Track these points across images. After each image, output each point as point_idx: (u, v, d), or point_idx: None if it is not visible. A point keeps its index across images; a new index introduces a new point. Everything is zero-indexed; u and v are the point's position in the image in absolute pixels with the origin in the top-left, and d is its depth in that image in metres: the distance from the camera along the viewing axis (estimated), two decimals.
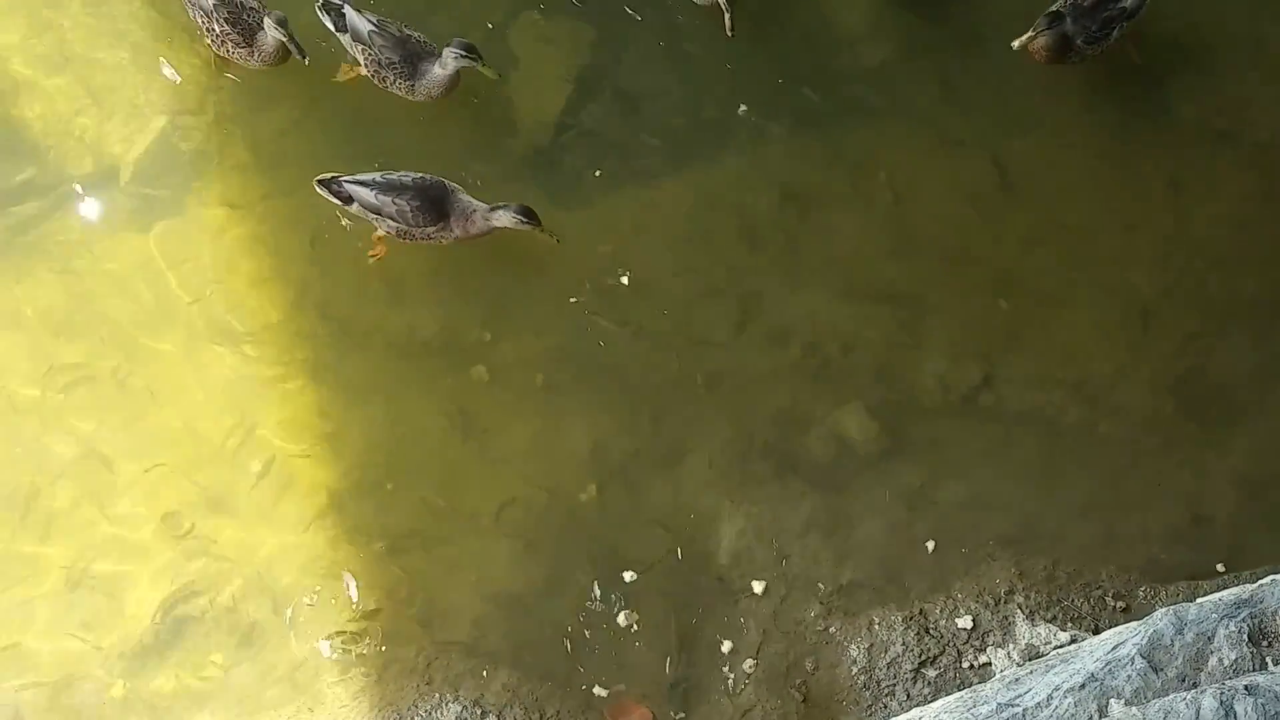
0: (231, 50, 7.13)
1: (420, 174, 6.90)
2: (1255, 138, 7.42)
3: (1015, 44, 7.17)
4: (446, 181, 6.92)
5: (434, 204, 6.85)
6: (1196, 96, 7.49)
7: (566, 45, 7.50)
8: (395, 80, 7.12)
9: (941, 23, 7.59)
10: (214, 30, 7.10)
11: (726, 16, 7.28)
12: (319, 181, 6.91)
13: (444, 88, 7.14)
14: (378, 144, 7.24)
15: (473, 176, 7.13)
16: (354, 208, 6.91)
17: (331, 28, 7.16)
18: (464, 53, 6.97)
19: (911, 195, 7.20)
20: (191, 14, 7.18)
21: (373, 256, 7.05)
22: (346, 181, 6.88)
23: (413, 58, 7.08)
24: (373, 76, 7.17)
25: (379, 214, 6.87)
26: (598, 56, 7.50)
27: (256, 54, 7.13)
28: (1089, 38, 7.20)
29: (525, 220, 6.80)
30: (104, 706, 6.30)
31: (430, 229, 6.89)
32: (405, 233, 6.91)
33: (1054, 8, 7.22)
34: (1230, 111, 7.47)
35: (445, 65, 7.03)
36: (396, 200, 6.81)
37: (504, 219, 6.84)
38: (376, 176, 6.88)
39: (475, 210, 6.87)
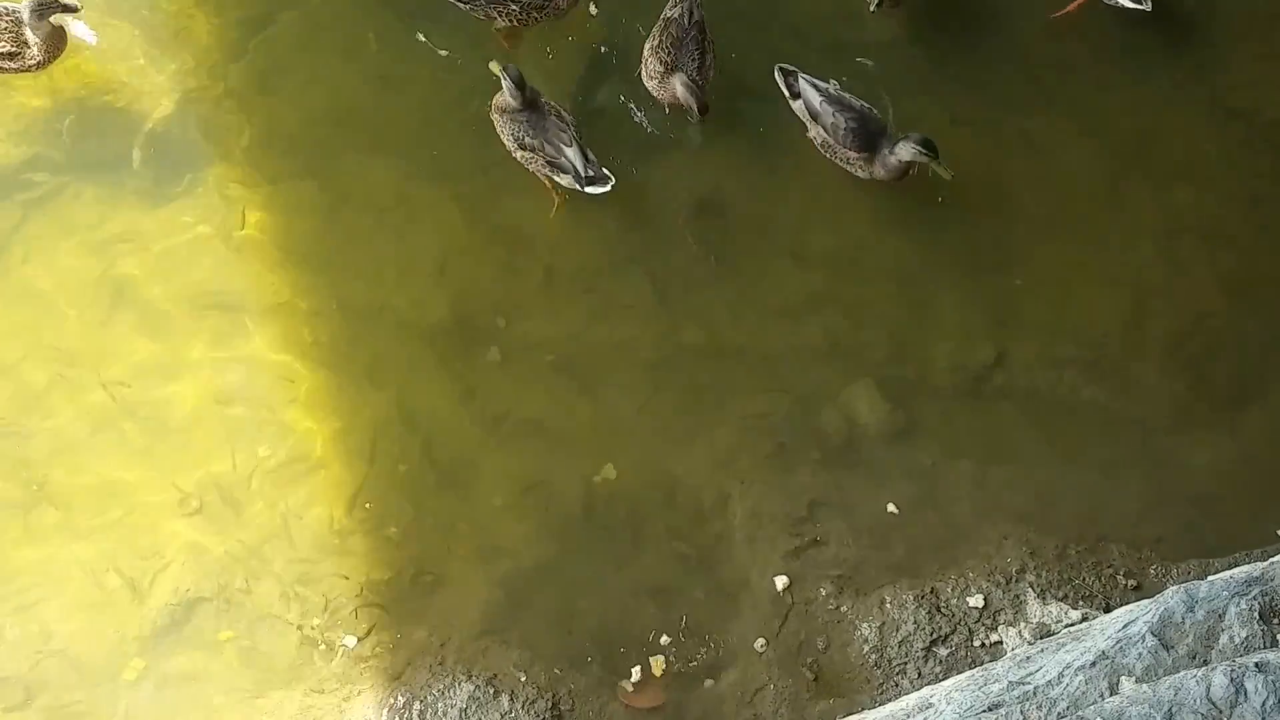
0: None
1: (865, 103, 7.08)
2: (1267, 116, 7.40)
3: (871, 7, 7.37)
4: (889, 125, 7.08)
5: (868, 135, 7.02)
6: (1208, 75, 7.47)
7: None
8: (846, 152, 7.12)
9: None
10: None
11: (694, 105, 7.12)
12: (779, 67, 7.18)
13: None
14: (389, 129, 7.26)
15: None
16: (796, 105, 7.13)
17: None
18: (922, 149, 6.93)
19: (922, 174, 7.18)
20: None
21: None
22: (804, 78, 7.12)
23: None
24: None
25: (815, 119, 7.08)
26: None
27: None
28: None
29: (924, 151, 6.91)
30: (118, 687, 6.33)
31: (852, 154, 7.05)
32: (828, 146, 7.09)
33: None
34: (1242, 90, 7.44)
35: (900, 154, 6.99)
36: (836, 115, 7.01)
37: (905, 151, 6.96)
38: (832, 87, 7.12)
39: (885, 153, 7.03)
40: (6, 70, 7.16)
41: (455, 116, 7.34)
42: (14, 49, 7.07)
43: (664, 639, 6.41)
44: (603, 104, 7.42)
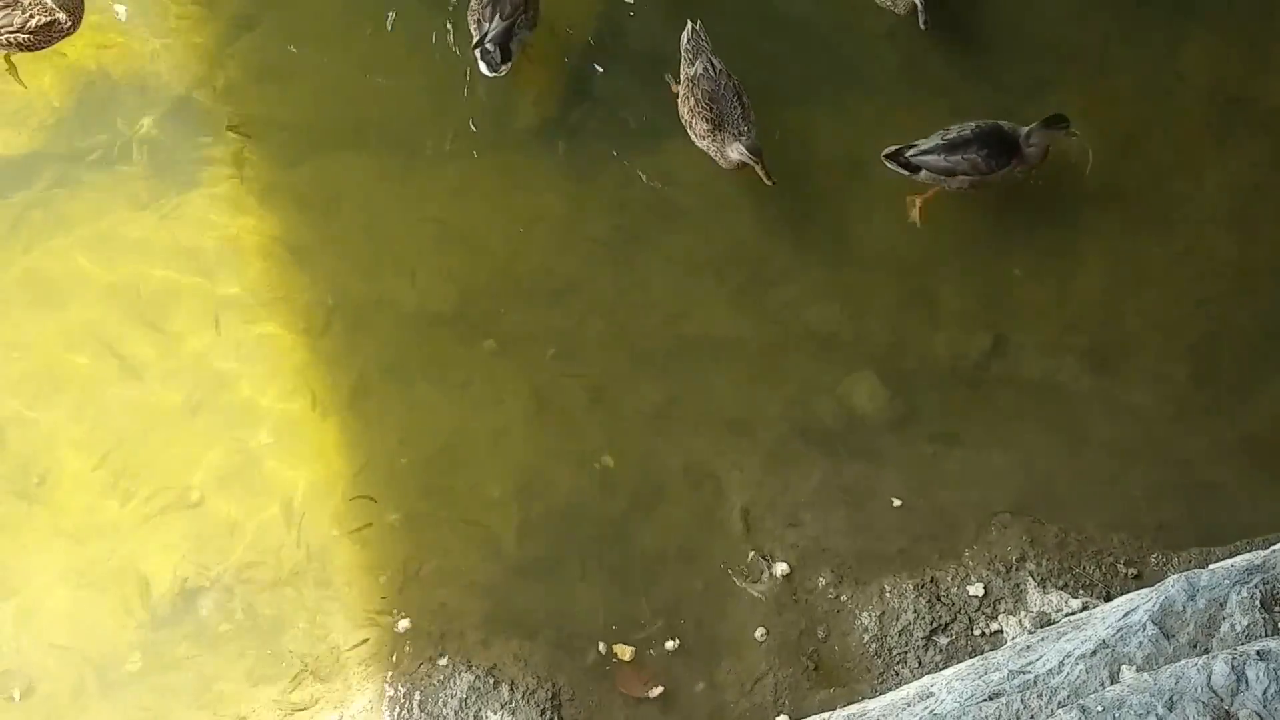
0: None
1: (970, 123, 6.98)
2: (1268, 103, 7.38)
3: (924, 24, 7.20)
4: (998, 121, 6.99)
5: (1000, 144, 6.93)
6: (1209, 62, 7.45)
7: None
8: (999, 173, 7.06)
9: None
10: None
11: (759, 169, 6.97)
12: (886, 155, 7.00)
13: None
14: (388, 118, 7.25)
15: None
16: (921, 175, 6.99)
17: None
18: (1058, 127, 6.89)
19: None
20: None
21: (916, 217, 7.10)
22: (912, 155, 6.95)
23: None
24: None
25: (952, 174, 6.96)
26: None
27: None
28: None
29: (1061, 128, 6.85)
30: (120, 678, 6.33)
31: (1002, 171, 6.98)
32: (979, 183, 6.99)
33: None
34: (1243, 77, 7.42)
35: (1037, 141, 6.95)
36: (965, 156, 6.89)
37: (1040, 138, 6.89)
38: (937, 140, 6.96)
39: (1024, 148, 6.97)
40: (53, 41, 7.15)
41: (457, 105, 7.34)
42: (47, 18, 7.05)
43: (660, 626, 6.42)
44: (603, 94, 7.43)
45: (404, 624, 6.42)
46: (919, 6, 7.22)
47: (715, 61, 7.10)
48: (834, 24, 7.56)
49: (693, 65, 7.12)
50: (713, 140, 7.02)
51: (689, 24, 7.18)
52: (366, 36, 7.46)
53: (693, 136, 7.13)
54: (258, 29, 7.46)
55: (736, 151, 6.92)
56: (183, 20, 7.40)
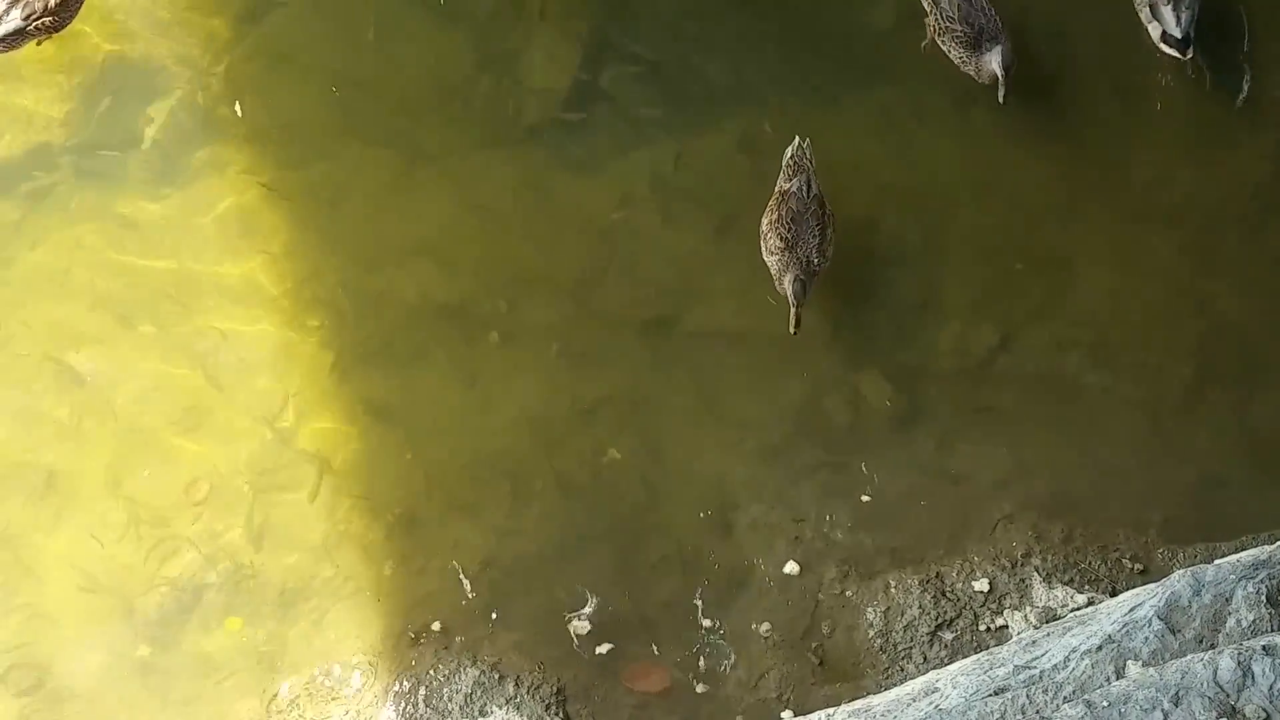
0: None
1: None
2: (1274, 96, 7.37)
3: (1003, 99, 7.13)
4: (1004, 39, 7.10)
5: (978, 33, 7.11)
6: (1212, 55, 7.44)
7: None
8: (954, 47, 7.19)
9: None
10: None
11: (794, 312, 6.73)
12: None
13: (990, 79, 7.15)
14: (393, 111, 7.25)
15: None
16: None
17: None
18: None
19: (927, 156, 7.16)
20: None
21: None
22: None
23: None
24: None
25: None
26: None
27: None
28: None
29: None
30: (126, 673, 6.34)
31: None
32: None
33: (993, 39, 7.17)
34: (1248, 70, 7.41)
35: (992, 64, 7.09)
36: None
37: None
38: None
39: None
40: (73, 13, 7.17)
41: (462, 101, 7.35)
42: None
43: (664, 621, 6.42)
44: (609, 90, 7.43)
45: (409, 619, 6.42)
46: (1000, 79, 7.09)
47: (813, 183, 6.92)
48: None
49: (790, 180, 6.94)
50: (779, 259, 6.77)
51: (796, 140, 7.02)
52: (372, 31, 7.46)
53: (762, 247, 6.90)
54: (265, 22, 7.46)
55: (789, 282, 6.70)
56: (191, 12, 7.40)
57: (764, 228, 6.94)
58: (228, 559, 6.51)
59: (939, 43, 7.27)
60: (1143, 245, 7.12)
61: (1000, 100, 7.04)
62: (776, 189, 7.00)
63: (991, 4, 7.17)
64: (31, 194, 7.08)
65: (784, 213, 6.85)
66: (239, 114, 7.28)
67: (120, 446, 6.67)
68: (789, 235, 6.80)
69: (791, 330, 6.71)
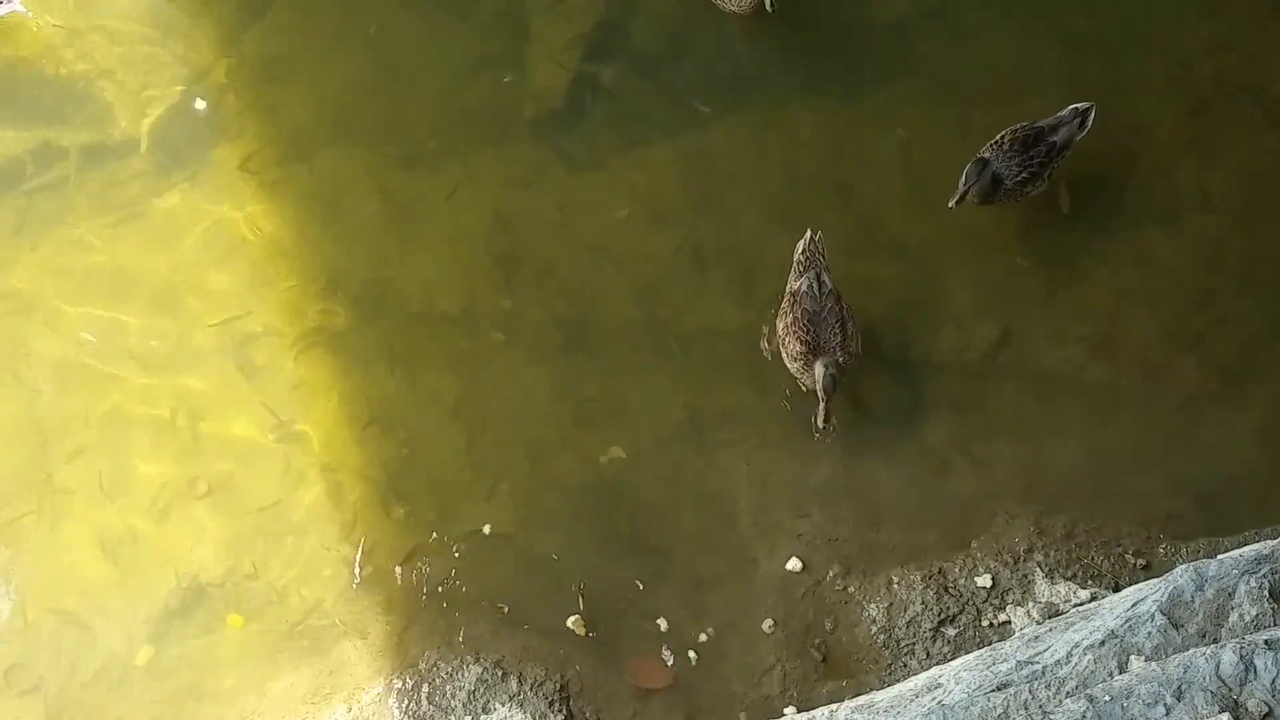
0: None
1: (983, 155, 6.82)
2: (1274, 92, 7.36)
3: (951, 204, 6.74)
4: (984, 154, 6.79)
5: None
6: (1214, 52, 7.43)
7: None
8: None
9: None
10: None
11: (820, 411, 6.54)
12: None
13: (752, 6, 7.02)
14: (393, 111, 7.26)
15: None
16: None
17: None
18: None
19: (928, 155, 7.17)
20: None
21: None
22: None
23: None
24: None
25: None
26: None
27: None
28: (1018, 180, 6.82)
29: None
30: (129, 671, 6.34)
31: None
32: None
33: (979, 153, 6.82)
34: (1248, 67, 7.41)
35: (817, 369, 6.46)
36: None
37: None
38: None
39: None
40: None
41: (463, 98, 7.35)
42: None
43: (662, 622, 6.42)
44: (609, 87, 7.43)
45: (412, 617, 6.43)
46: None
47: (826, 279, 6.58)
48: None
49: (799, 279, 6.62)
50: (804, 364, 6.50)
51: (808, 233, 6.70)
52: (372, 30, 7.46)
53: (782, 354, 6.62)
54: (264, 19, 7.46)
55: (818, 373, 6.41)
56: (189, 12, 7.40)
57: (780, 332, 6.62)
58: (229, 558, 6.52)
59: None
60: (1143, 242, 7.10)
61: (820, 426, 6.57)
62: (787, 290, 6.67)
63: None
64: (31, 190, 7.08)
65: (799, 315, 6.51)
66: (239, 114, 7.28)
67: (120, 446, 6.68)
68: (809, 339, 6.47)
69: (820, 425, 6.50)
